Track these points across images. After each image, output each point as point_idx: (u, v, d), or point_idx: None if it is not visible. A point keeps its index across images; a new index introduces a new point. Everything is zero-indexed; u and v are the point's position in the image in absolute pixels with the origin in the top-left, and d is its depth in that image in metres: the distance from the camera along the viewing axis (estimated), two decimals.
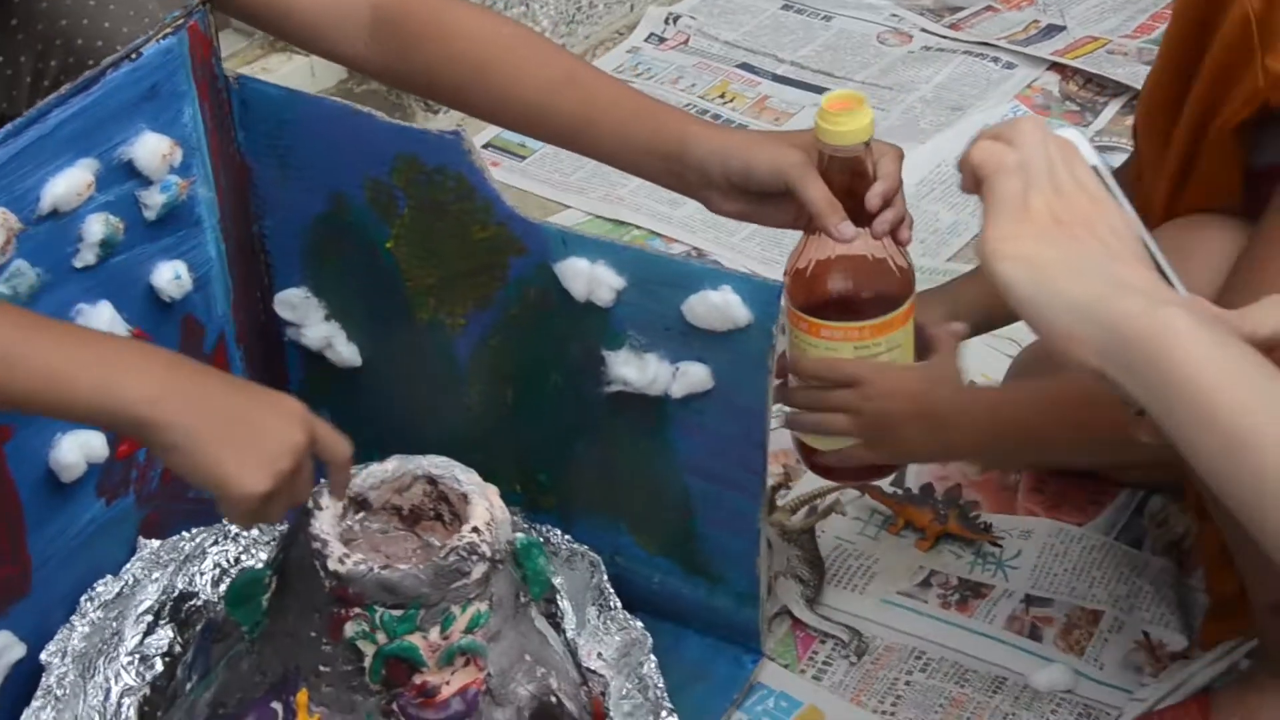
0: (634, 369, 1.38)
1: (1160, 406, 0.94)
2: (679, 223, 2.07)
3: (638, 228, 2.06)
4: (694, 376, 1.37)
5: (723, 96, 2.34)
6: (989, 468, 1.68)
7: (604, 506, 1.48)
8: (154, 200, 1.39)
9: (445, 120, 2.26)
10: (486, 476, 1.46)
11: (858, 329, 1.32)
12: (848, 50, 2.44)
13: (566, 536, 1.50)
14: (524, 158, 2.20)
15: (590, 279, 1.36)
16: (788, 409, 1.40)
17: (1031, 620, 1.56)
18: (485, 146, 2.21)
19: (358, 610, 1.29)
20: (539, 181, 2.15)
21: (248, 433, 1.19)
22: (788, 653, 1.53)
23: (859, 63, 2.41)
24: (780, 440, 1.73)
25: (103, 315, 1.37)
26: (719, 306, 1.32)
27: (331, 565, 1.29)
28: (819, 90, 2.32)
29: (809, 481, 1.68)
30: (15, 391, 1.15)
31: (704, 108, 2.30)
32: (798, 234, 1.35)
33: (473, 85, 1.37)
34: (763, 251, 2.02)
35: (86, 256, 1.36)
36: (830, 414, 1.35)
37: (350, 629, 1.30)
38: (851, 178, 1.29)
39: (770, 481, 1.66)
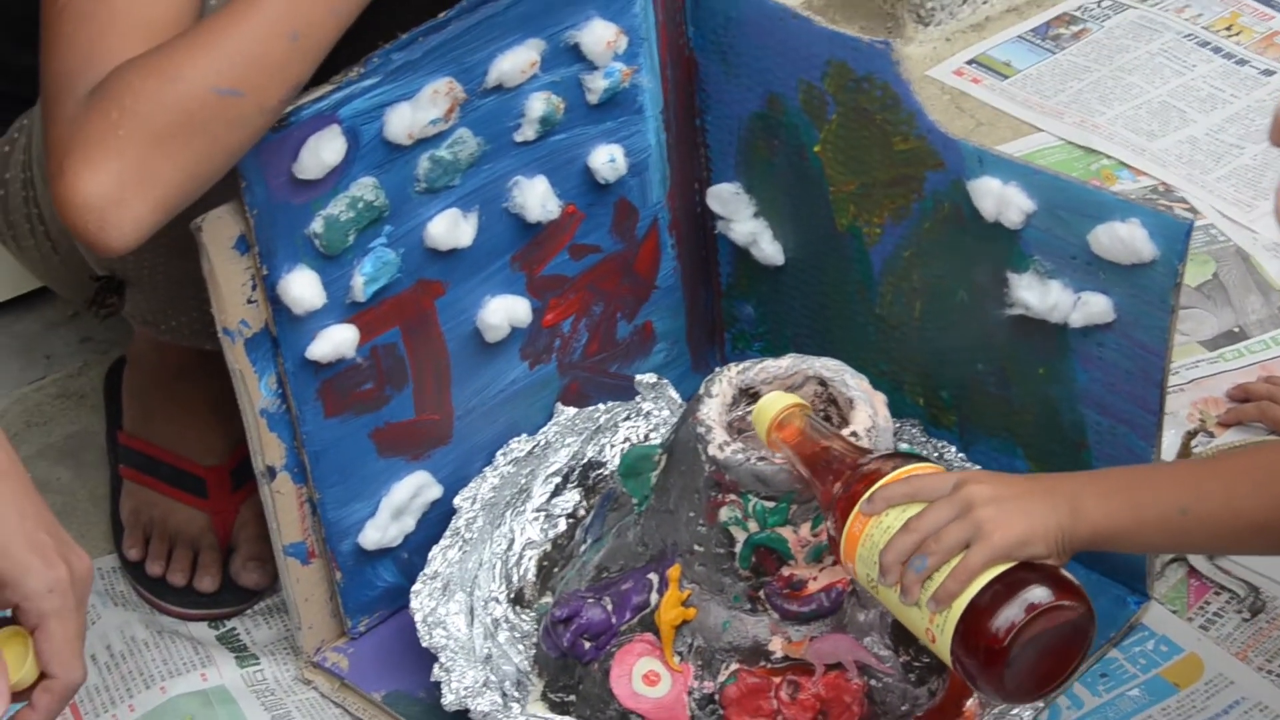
0: (1036, 294, 1.37)
1: None
2: (1152, 156, 2.01)
3: (1108, 157, 2.02)
4: (1095, 307, 1.35)
5: (1229, 29, 2.25)
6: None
7: (1001, 430, 1.48)
8: (597, 84, 1.46)
9: (935, 33, 2.26)
10: (892, 387, 1.48)
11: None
12: None
13: (961, 455, 1.50)
14: (1006, 77, 2.17)
15: (1000, 199, 1.36)
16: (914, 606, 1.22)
17: None
18: (969, 63, 2.20)
19: (733, 497, 1.34)
20: (1017, 103, 2.13)
21: None
22: (1178, 599, 1.49)
23: None
24: (1202, 387, 1.69)
25: (537, 189, 1.45)
26: (1125, 239, 1.30)
27: (711, 450, 1.34)
28: None
29: (1233, 434, 1.63)
30: None
31: (1206, 39, 2.22)
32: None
33: None
34: (1235, 193, 1.95)
35: (526, 132, 1.43)
36: (943, 534, 1.20)
37: (724, 514, 1.35)
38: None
39: (1189, 426, 1.63)
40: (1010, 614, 1.17)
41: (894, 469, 1.25)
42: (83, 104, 1.20)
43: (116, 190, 1.19)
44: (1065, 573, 1.21)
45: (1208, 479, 1.22)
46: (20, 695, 1.07)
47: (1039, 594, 1.18)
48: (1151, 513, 1.21)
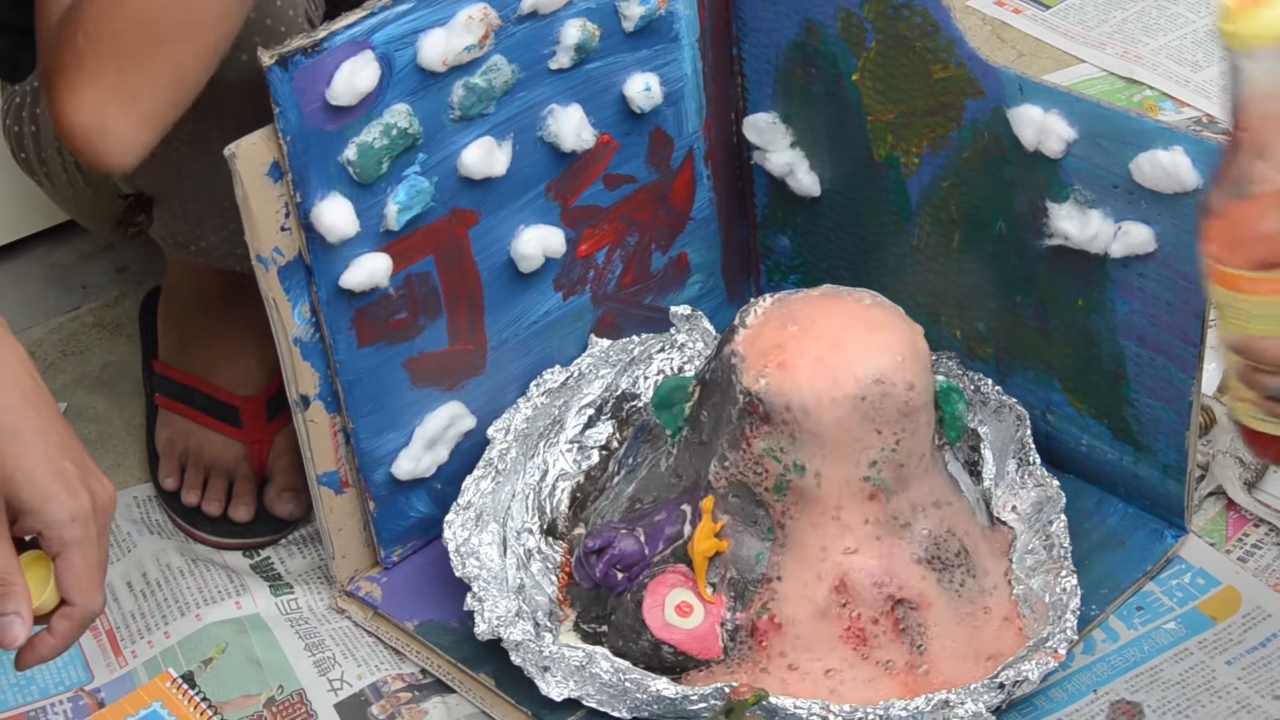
0: (1076, 224, 1.36)
1: None
2: (1196, 87, 1.99)
3: (1150, 88, 2.00)
4: (1136, 237, 1.33)
5: None
6: None
7: (1038, 362, 1.47)
8: (633, 12, 1.44)
9: None
10: (929, 319, 1.47)
11: None
12: None
13: (997, 388, 1.49)
14: (1048, 7, 2.15)
15: (1041, 128, 1.34)
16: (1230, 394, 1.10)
17: None
18: None
19: (767, 428, 1.33)
20: (1058, 34, 2.10)
21: None
22: (1216, 531, 1.48)
23: None
24: None
25: (572, 118, 1.44)
26: (1167, 167, 1.28)
27: (746, 381, 1.34)
28: None
29: None
30: None
31: None
32: None
33: None
34: None
35: (561, 59, 1.42)
36: None
37: (759, 445, 1.34)
38: None
39: None
40: None
41: None
42: (54, 30, 1.19)
43: (98, 116, 1.18)
44: None
45: None
46: (40, 619, 1.08)
47: None
48: None
